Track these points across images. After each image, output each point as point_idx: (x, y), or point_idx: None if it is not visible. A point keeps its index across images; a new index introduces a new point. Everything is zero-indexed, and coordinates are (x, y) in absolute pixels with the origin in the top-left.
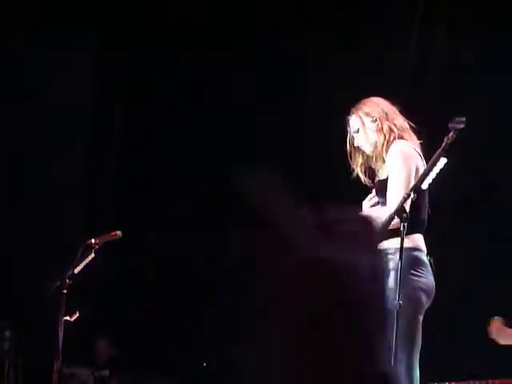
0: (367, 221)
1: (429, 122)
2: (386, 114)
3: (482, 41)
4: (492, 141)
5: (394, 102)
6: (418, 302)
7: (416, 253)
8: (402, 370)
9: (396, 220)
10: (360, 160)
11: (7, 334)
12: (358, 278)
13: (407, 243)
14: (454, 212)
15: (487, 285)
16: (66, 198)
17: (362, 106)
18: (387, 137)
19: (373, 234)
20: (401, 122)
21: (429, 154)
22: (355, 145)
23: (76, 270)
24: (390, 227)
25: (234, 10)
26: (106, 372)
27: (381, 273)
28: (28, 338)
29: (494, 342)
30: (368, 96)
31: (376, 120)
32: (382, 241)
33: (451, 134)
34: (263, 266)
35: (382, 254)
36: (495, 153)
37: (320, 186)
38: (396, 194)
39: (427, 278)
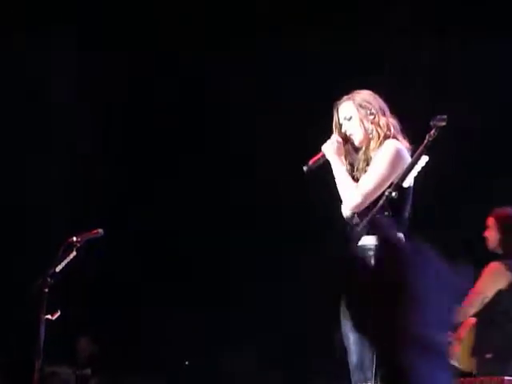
0: None
1: (416, 122)
2: (383, 110)
3: (469, 41)
4: (478, 138)
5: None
6: None
7: None
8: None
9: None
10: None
11: None
12: None
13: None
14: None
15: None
16: (53, 198)
17: (358, 96)
18: (383, 132)
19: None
20: (395, 122)
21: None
22: (343, 131)
23: (57, 269)
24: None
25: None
26: (88, 371)
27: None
28: (9, 336)
29: None
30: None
31: (373, 113)
32: (362, 237)
33: (433, 131)
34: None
35: (363, 251)
36: (481, 151)
37: (319, 185)
38: (371, 180)
39: None
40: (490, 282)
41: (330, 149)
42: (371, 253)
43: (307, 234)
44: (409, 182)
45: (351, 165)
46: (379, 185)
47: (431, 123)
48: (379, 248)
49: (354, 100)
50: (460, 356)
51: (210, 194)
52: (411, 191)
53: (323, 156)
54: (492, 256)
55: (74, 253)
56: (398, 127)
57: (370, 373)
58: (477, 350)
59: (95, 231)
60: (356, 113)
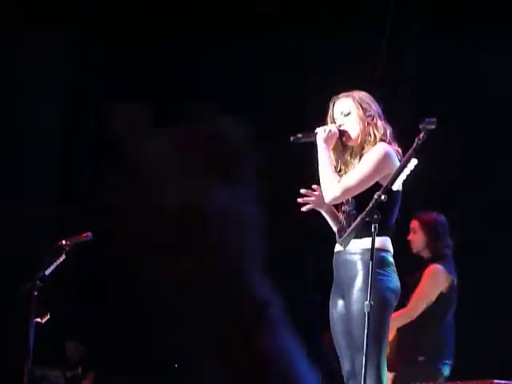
0: None
1: (402, 123)
2: (380, 114)
3: (456, 40)
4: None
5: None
6: (387, 302)
7: (383, 253)
8: (372, 369)
9: None
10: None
11: None
12: None
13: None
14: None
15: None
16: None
17: (358, 95)
18: (380, 135)
19: None
20: (389, 128)
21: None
22: (337, 126)
23: (47, 272)
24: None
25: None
26: (79, 370)
27: None
28: None
29: None
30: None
31: (371, 115)
32: (350, 241)
33: (422, 134)
34: None
35: (349, 254)
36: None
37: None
38: (354, 177)
39: (394, 278)
40: (434, 284)
41: (323, 135)
42: (357, 257)
43: None
44: (398, 185)
45: (336, 161)
46: (361, 183)
47: (420, 126)
48: None
49: (353, 97)
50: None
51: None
52: (400, 195)
53: (314, 136)
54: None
55: (63, 256)
56: (391, 133)
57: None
58: (409, 353)
59: (84, 235)
60: (355, 110)
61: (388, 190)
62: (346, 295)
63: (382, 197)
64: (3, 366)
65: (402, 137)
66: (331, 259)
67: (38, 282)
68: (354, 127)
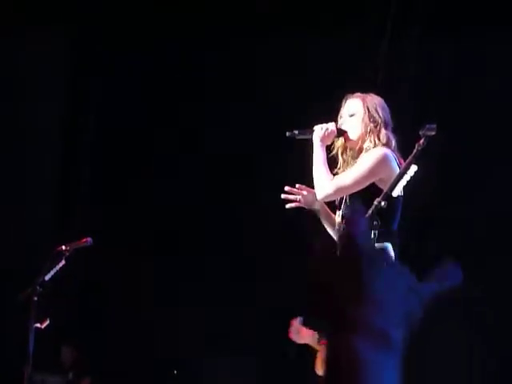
0: None
1: (403, 126)
2: (387, 123)
3: (456, 40)
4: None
5: None
6: None
7: None
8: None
9: None
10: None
11: None
12: None
13: None
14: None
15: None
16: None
17: (370, 99)
18: (381, 144)
19: None
20: (394, 138)
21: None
22: (339, 124)
23: (46, 277)
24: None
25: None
26: (70, 377)
27: None
28: None
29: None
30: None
31: (376, 122)
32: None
33: (422, 141)
34: None
35: None
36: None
37: None
38: (349, 177)
39: None
40: None
41: (320, 133)
42: None
43: None
44: (398, 191)
45: (337, 156)
46: (356, 183)
47: (420, 132)
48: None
49: (364, 101)
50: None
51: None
52: (401, 201)
53: (311, 133)
54: None
55: (63, 262)
56: (395, 143)
57: None
58: None
59: (84, 240)
60: (361, 113)
61: (388, 197)
62: None
63: (382, 203)
64: (3, 371)
65: (402, 137)
66: None
67: (37, 288)
68: (354, 129)
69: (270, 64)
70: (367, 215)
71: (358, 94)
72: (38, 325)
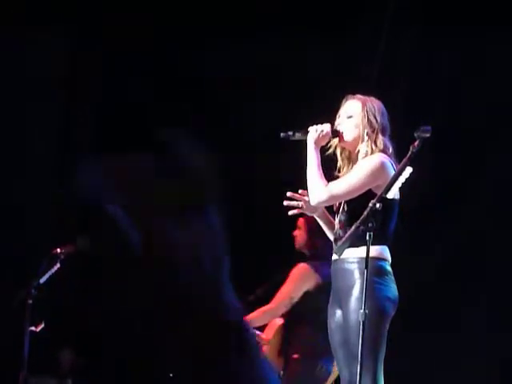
0: None
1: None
2: (385, 129)
3: (456, 40)
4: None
5: None
6: (384, 312)
7: (380, 262)
8: (367, 380)
9: None
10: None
11: None
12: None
13: (371, 253)
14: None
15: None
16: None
17: (370, 103)
18: (378, 150)
19: None
20: (390, 144)
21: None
22: (336, 124)
23: (41, 280)
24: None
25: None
26: (69, 382)
27: None
28: None
29: None
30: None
31: (373, 127)
32: (345, 249)
33: (417, 142)
34: None
35: (346, 263)
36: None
37: None
38: (345, 184)
39: (392, 287)
40: (299, 284)
41: (314, 134)
42: (354, 265)
43: None
44: (393, 193)
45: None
46: (351, 191)
47: (415, 134)
48: None
49: (364, 104)
50: (267, 357)
51: None
52: (397, 203)
53: (305, 135)
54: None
55: (58, 265)
56: (392, 150)
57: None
58: (284, 351)
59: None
60: (359, 116)
61: (382, 199)
62: (343, 304)
63: (377, 205)
64: None
65: (401, 137)
66: None
67: (32, 291)
68: (350, 131)
69: (269, 64)
70: (362, 217)
71: (359, 96)
72: (33, 328)
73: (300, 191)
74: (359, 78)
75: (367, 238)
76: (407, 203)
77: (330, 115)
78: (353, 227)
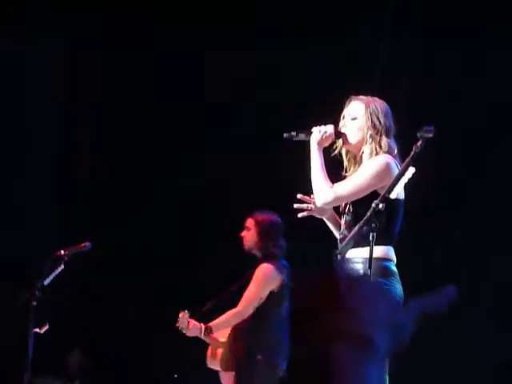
0: None
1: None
2: (389, 131)
3: (456, 40)
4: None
5: None
6: None
7: (385, 262)
8: (372, 380)
9: None
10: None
11: None
12: None
13: (376, 253)
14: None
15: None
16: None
17: (374, 104)
18: (382, 152)
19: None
20: (395, 145)
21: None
22: (339, 126)
23: (45, 282)
24: None
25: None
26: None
27: None
28: None
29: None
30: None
31: (377, 129)
32: (351, 249)
33: (419, 142)
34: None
35: (352, 263)
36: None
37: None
38: (350, 186)
39: (397, 287)
40: (265, 284)
41: (317, 136)
42: (359, 266)
43: None
44: (396, 193)
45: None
46: (356, 192)
47: (418, 134)
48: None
49: (368, 106)
50: (222, 358)
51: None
52: (402, 204)
53: (308, 135)
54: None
55: (62, 266)
56: (396, 151)
57: None
58: (248, 352)
59: (83, 245)
60: (363, 118)
61: (386, 199)
62: None
63: (380, 205)
64: (2, 376)
65: (401, 137)
66: None
67: (36, 292)
68: (354, 133)
69: (269, 64)
70: (365, 217)
71: (362, 96)
72: (37, 330)
73: (299, 196)
74: (359, 77)
75: (370, 238)
76: (408, 203)
77: (330, 115)
78: (356, 227)
